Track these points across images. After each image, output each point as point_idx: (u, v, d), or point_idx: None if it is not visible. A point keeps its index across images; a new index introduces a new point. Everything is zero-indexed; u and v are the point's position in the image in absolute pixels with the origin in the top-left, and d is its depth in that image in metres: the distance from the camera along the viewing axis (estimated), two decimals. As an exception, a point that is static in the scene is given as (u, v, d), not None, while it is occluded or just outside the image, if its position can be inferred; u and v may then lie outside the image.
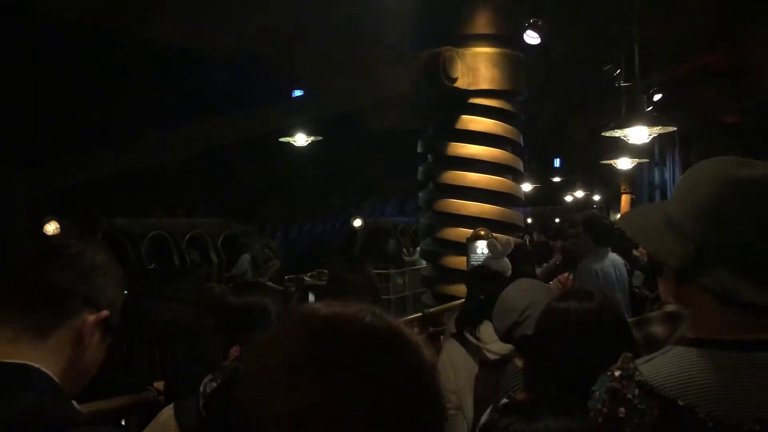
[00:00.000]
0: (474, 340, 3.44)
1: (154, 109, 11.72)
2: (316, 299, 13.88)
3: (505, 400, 2.19)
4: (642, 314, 3.38)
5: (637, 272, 5.53)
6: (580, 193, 24.39)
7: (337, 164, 16.71)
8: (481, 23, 9.14)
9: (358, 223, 21.71)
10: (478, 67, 9.04)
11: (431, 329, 6.17)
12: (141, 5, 8.90)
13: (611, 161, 12.24)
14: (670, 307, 2.94)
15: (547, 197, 23.71)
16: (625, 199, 16.56)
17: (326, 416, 0.71)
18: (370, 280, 3.56)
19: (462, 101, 9.11)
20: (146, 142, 11.38)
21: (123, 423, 3.18)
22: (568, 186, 24.61)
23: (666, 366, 1.22)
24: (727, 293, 1.19)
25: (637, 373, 1.22)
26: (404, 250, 21.34)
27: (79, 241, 1.32)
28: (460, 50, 8.96)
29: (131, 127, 11.51)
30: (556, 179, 24.26)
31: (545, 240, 9.98)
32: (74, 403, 1.27)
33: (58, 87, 10.50)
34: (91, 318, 1.28)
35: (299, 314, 0.81)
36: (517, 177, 9.77)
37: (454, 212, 9.16)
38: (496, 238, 6.53)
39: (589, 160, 15.80)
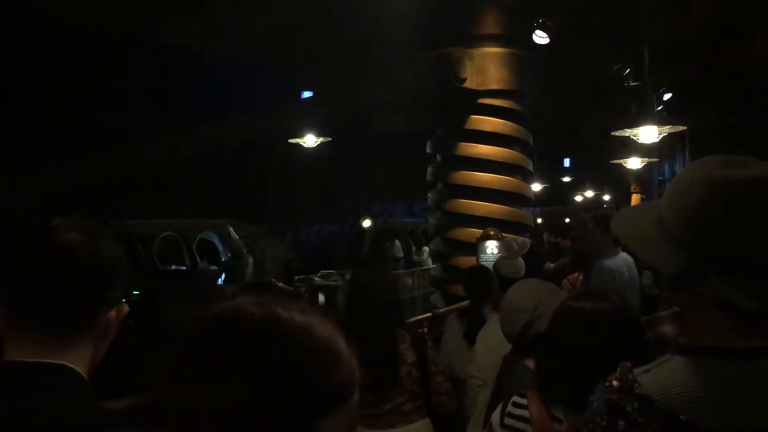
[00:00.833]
0: None
1: (164, 111, 11.78)
2: (325, 299, 13.90)
3: (515, 398, 2.20)
4: (652, 314, 3.38)
5: (647, 271, 5.50)
6: (589, 193, 24.32)
7: (345, 165, 16.73)
8: (490, 23, 9.13)
9: (366, 223, 21.72)
10: (487, 68, 9.03)
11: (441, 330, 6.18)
12: (149, 9, 8.95)
13: (621, 161, 12.21)
14: (679, 307, 2.93)
15: (556, 197, 23.66)
16: (635, 199, 16.49)
17: (207, 407, 0.73)
18: (390, 280, 3.65)
19: (471, 101, 9.10)
20: (156, 143, 11.42)
21: None
22: (577, 186, 24.55)
23: (666, 378, 1.19)
24: (722, 301, 1.16)
25: (636, 385, 1.19)
26: (415, 249, 21.36)
27: (83, 234, 1.29)
28: (469, 50, 8.95)
29: (140, 129, 11.57)
30: (566, 179, 24.20)
31: (555, 240, 9.97)
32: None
33: (67, 89, 10.57)
34: (113, 314, 1.31)
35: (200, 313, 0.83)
36: (527, 177, 9.75)
37: (464, 212, 9.15)
38: (513, 239, 6.55)
39: (599, 160, 15.76)
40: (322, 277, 15.45)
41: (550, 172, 20.16)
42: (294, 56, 10.22)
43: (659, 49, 9.13)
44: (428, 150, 9.85)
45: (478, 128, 9.09)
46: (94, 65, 10.54)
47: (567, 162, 23.97)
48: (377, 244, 21.63)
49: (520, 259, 5.52)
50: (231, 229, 13.27)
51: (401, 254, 21.70)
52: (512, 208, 9.20)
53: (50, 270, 1.23)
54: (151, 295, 10.00)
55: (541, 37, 8.93)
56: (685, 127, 8.52)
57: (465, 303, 5.43)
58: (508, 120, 9.15)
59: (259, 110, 10.77)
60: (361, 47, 9.66)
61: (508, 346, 2.90)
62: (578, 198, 25.08)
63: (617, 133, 8.34)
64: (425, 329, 5.79)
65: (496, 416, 2.27)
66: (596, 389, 1.24)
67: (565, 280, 5.89)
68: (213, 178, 15.71)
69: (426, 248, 21.88)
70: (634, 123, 8.07)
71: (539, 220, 18.27)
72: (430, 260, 20.68)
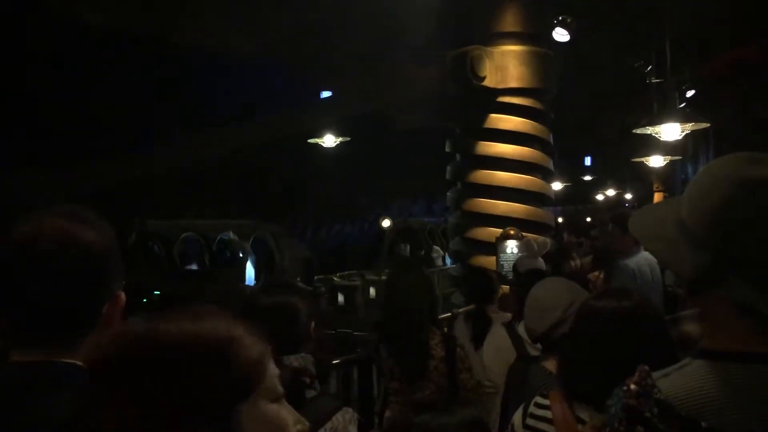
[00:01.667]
0: (522, 334, 3.59)
1: (185, 112, 11.86)
2: (345, 299, 13.91)
3: (537, 399, 2.19)
4: (675, 313, 3.34)
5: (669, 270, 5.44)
6: (611, 192, 24.10)
7: (365, 165, 16.75)
8: (510, 21, 9.07)
9: (386, 223, 21.72)
10: (506, 66, 8.97)
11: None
12: (171, 10, 9.02)
13: (643, 159, 12.07)
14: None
15: (578, 196, 23.48)
16: (657, 198, 16.33)
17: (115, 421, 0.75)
18: (426, 279, 3.86)
19: (490, 100, 9.05)
20: (178, 144, 11.52)
21: None
22: (599, 184, 24.34)
23: (686, 382, 1.16)
24: (743, 305, 1.13)
25: (656, 390, 1.16)
26: (434, 248, 21.33)
27: (70, 221, 1.25)
28: (488, 49, 8.90)
29: (163, 130, 11.66)
30: (587, 178, 24.00)
31: (576, 240, 9.90)
32: None
33: (92, 90, 10.68)
34: (113, 305, 1.29)
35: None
36: (547, 176, 9.68)
37: (483, 212, 9.10)
38: (534, 239, 6.54)
39: (621, 158, 15.61)
40: (341, 277, 15.52)
41: (571, 170, 19.99)
42: (313, 56, 10.24)
43: (682, 45, 9.00)
44: (447, 149, 9.82)
45: (498, 127, 9.04)
46: (115, 66, 10.64)
47: (588, 160, 23.78)
48: (396, 244, 21.63)
49: (540, 259, 5.49)
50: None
51: (420, 254, 21.67)
52: (532, 207, 9.13)
53: (44, 272, 1.20)
54: (172, 295, 10.09)
55: (561, 35, 8.86)
56: (708, 124, 8.38)
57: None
58: (527, 118, 9.08)
59: (280, 110, 10.81)
60: (380, 47, 9.66)
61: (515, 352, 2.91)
62: (600, 197, 24.86)
63: (639, 131, 8.23)
64: (445, 329, 5.78)
65: (518, 417, 2.26)
66: (614, 393, 1.22)
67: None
68: (234, 179, 15.80)
69: (437, 248, 21.91)
70: (656, 120, 7.96)
71: (560, 220, 18.14)
72: (440, 260, 20.70)
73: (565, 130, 11.71)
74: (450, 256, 14.05)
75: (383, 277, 15.35)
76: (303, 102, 11.37)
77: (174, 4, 9.16)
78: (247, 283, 15.04)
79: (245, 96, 11.71)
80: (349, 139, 11.42)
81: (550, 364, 2.52)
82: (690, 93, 10.58)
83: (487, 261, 8.59)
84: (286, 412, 0.87)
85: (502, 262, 8.19)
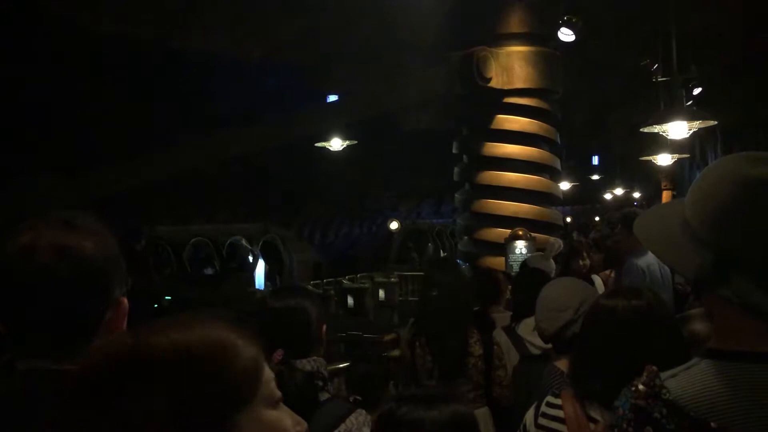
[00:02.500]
0: (523, 335, 3.73)
1: (191, 117, 11.91)
2: (354, 302, 13.91)
3: (549, 398, 2.20)
4: (683, 311, 3.35)
5: (680, 269, 5.41)
6: (619, 191, 24.01)
7: (372, 167, 16.75)
8: (515, 22, 9.07)
9: (394, 225, 21.72)
10: (512, 66, 8.97)
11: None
12: (176, 15, 9.06)
13: (651, 157, 12.03)
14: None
15: (586, 195, 23.40)
16: (666, 196, 16.24)
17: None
18: (464, 278, 3.98)
19: (497, 101, 9.05)
20: (184, 149, 11.55)
21: None
22: (607, 184, 24.24)
23: (694, 383, 1.15)
24: (748, 305, 1.13)
25: (664, 390, 1.15)
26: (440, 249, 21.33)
27: (67, 230, 1.23)
28: (494, 50, 8.90)
29: (169, 135, 11.70)
30: (595, 177, 23.91)
31: (585, 239, 9.87)
32: None
33: (97, 96, 10.73)
34: (115, 311, 1.28)
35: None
36: (555, 176, 9.67)
37: (491, 212, 9.10)
38: (544, 239, 6.55)
39: (629, 157, 15.56)
40: (351, 279, 15.54)
41: (579, 170, 19.94)
42: (319, 59, 10.27)
43: (689, 42, 8.97)
44: (454, 150, 9.82)
45: (505, 127, 9.04)
46: (121, 71, 10.70)
47: (596, 160, 23.69)
48: (404, 246, 21.65)
49: (551, 261, 5.51)
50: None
51: (429, 255, 21.67)
52: (541, 208, 9.13)
53: (42, 285, 1.20)
54: (184, 300, 10.12)
55: (566, 35, 8.85)
56: (716, 122, 8.34)
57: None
58: (534, 118, 9.08)
59: (287, 114, 10.83)
60: (386, 49, 9.68)
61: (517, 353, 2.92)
62: (608, 196, 24.77)
63: (646, 129, 8.19)
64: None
65: (530, 416, 2.26)
66: (621, 394, 1.21)
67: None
68: (242, 183, 15.83)
69: (430, 245, 21.96)
70: (663, 118, 7.92)
71: (569, 219, 18.10)
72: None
73: (573, 130, 11.70)
74: (459, 258, 14.03)
75: (392, 279, 15.39)
76: (309, 106, 11.38)
77: (180, 8, 9.20)
78: (257, 287, 15.07)
79: (252, 100, 11.74)
80: (356, 142, 11.43)
81: (562, 364, 2.52)
82: (697, 91, 10.53)
83: (496, 262, 8.59)
84: (285, 416, 0.86)
85: (511, 263, 8.19)
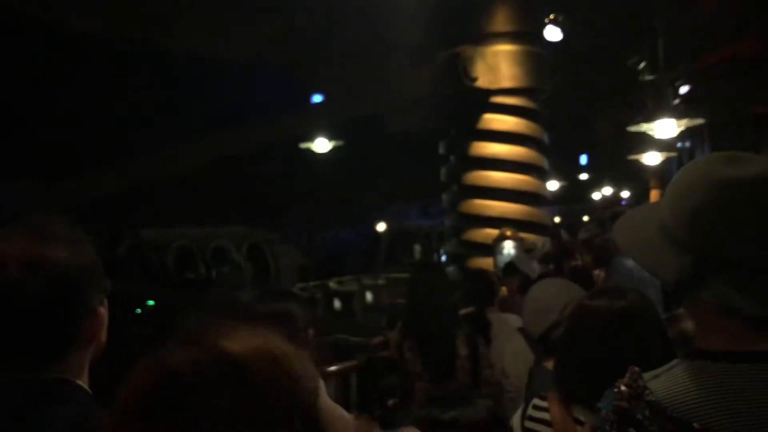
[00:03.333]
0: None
1: (175, 119, 11.80)
2: (341, 305, 13.83)
3: (535, 401, 2.18)
4: (672, 310, 3.31)
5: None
6: (608, 190, 24.10)
7: (358, 169, 16.70)
8: (501, 21, 9.05)
9: (381, 227, 21.67)
10: (498, 66, 8.95)
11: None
12: (160, 17, 8.94)
13: (638, 156, 12.01)
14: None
15: (574, 195, 23.45)
16: (654, 195, 16.26)
17: None
18: (449, 280, 4.04)
19: (483, 100, 9.01)
20: (168, 153, 11.43)
21: None
22: (595, 183, 24.34)
23: (676, 384, 1.15)
24: (727, 306, 1.14)
25: (647, 391, 1.15)
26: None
27: (38, 240, 1.20)
28: (480, 49, 8.88)
29: (153, 138, 11.59)
30: (584, 176, 24.00)
31: (573, 239, 9.85)
32: None
33: (80, 100, 10.61)
34: (94, 321, 1.26)
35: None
36: (543, 175, 9.65)
37: (479, 213, 9.08)
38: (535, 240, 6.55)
39: (617, 156, 15.57)
40: (338, 282, 15.44)
41: (567, 169, 19.96)
42: (303, 59, 10.18)
43: (675, 40, 8.96)
44: (441, 151, 9.79)
45: (491, 127, 9.02)
46: (102, 74, 10.59)
47: (584, 159, 23.76)
48: (393, 248, 21.61)
49: (535, 262, 5.52)
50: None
51: (417, 257, 21.67)
52: (528, 207, 9.11)
53: (12, 300, 1.17)
54: (168, 305, 9.98)
55: (552, 33, 8.80)
56: (703, 120, 8.33)
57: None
58: (521, 118, 9.07)
59: (271, 115, 10.75)
60: (372, 49, 9.60)
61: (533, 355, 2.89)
62: (596, 195, 24.85)
63: (633, 128, 8.18)
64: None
65: (516, 419, 2.25)
66: (605, 395, 1.20)
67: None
68: (227, 186, 15.73)
69: (417, 246, 22.01)
70: (651, 117, 7.91)
71: (557, 219, 18.08)
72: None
73: (560, 129, 11.66)
74: (447, 259, 13.99)
75: (380, 282, 15.31)
76: (295, 107, 11.31)
77: (162, 10, 9.08)
78: (242, 291, 14.95)
79: (236, 101, 11.64)
80: (342, 143, 11.35)
81: (551, 365, 2.49)
82: (684, 89, 10.54)
83: (484, 262, 8.53)
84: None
85: (499, 264, 8.12)
